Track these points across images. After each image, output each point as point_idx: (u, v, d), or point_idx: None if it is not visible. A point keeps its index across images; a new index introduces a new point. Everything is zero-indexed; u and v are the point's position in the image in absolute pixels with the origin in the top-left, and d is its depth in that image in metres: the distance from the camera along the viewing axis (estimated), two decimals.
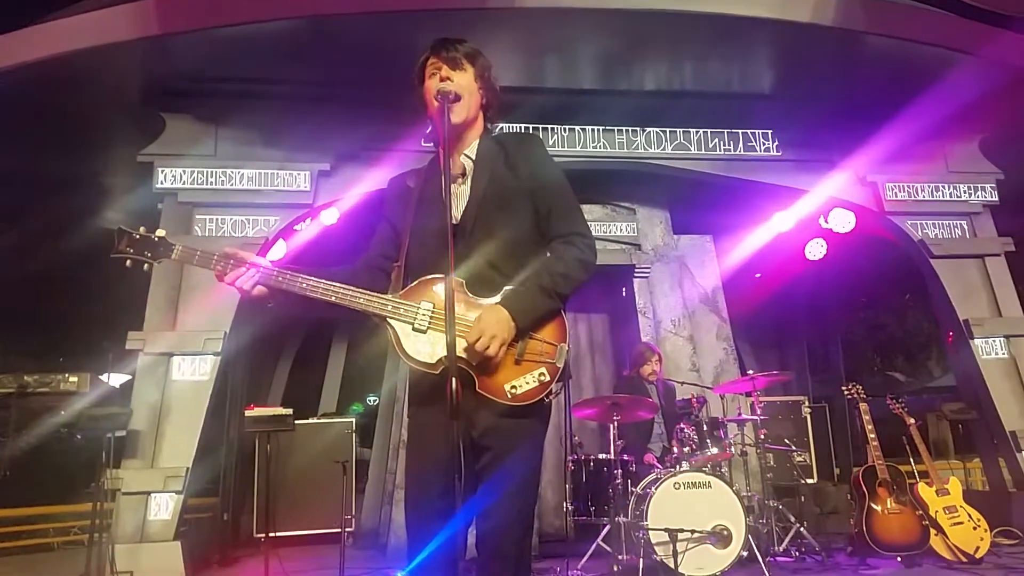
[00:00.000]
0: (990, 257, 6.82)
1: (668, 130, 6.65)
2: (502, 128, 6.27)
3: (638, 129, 6.61)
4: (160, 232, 2.16)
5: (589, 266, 2.27)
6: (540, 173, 2.28)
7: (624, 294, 7.36)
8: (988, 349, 6.52)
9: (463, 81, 2.22)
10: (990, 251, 6.84)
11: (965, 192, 6.96)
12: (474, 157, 2.26)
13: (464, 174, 2.26)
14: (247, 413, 5.19)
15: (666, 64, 6.10)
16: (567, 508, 5.47)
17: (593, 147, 6.51)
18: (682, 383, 6.30)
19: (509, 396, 2.10)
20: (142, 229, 2.16)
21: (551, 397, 2.15)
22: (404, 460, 2.28)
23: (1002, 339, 6.55)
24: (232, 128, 6.09)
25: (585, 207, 7.03)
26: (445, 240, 2.07)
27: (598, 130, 6.54)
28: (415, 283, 2.14)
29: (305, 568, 5.28)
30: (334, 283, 2.11)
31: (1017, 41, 5.71)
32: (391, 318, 2.11)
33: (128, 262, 2.17)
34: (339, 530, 5.03)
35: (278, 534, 6.26)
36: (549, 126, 6.44)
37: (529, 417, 2.14)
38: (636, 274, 7.18)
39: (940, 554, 4.96)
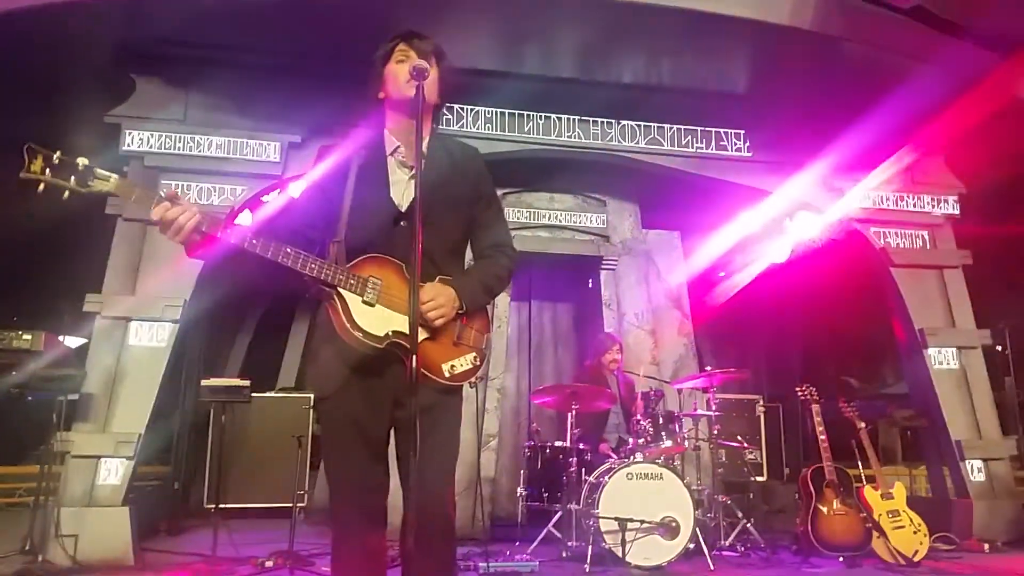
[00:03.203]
0: (948, 269, 6.96)
1: (642, 124, 6.67)
2: (477, 112, 6.29)
3: (613, 121, 6.62)
4: (83, 160, 1.96)
5: (512, 277, 2.53)
6: (483, 186, 2.44)
7: (591, 285, 7.40)
8: (940, 359, 6.66)
9: (429, 76, 2.24)
10: (949, 263, 6.98)
11: (928, 204, 7.08)
12: (426, 152, 2.30)
13: (412, 168, 2.29)
14: (203, 383, 5.15)
15: (644, 58, 6.10)
16: (521, 493, 5.53)
17: (568, 136, 6.51)
18: (641, 376, 6.37)
19: (447, 375, 2.22)
20: (59, 153, 1.94)
21: (477, 382, 2.27)
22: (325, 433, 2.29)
23: (954, 350, 6.69)
24: (203, 94, 5.98)
25: (556, 196, 7.19)
26: (389, 221, 2.20)
27: (573, 119, 6.54)
28: (360, 259, 2.17)
29: (255, 541, 5.25)
30: (285, 245, 2.07)
31: (973, 53, 5.83)
32: (341, 288, 2.12)
33: (42, 186, 1.93)
34: (291, 505, 5.02)
35: (229, 506, 6.23)
36: (525, 112, 6.42)
37: (456, 396, 2.30)
38: (603, 266, 7.23)
39: (880, 556, 5.08)
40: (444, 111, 6.17)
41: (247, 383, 5.26)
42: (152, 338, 5.45)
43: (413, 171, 2.27)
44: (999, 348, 6.74)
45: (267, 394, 7.20)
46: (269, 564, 4.61)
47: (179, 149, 5.87)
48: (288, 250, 2.06)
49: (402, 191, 2.28)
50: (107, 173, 1.96)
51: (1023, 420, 6.94)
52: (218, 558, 4.69)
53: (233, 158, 5.92)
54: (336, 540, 2.23)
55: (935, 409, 6.58)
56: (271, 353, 8.54)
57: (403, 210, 2.24)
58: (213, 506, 5.02)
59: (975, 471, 6.38)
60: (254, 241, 2.03)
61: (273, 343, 8.67)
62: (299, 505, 5.97)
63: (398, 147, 2.32)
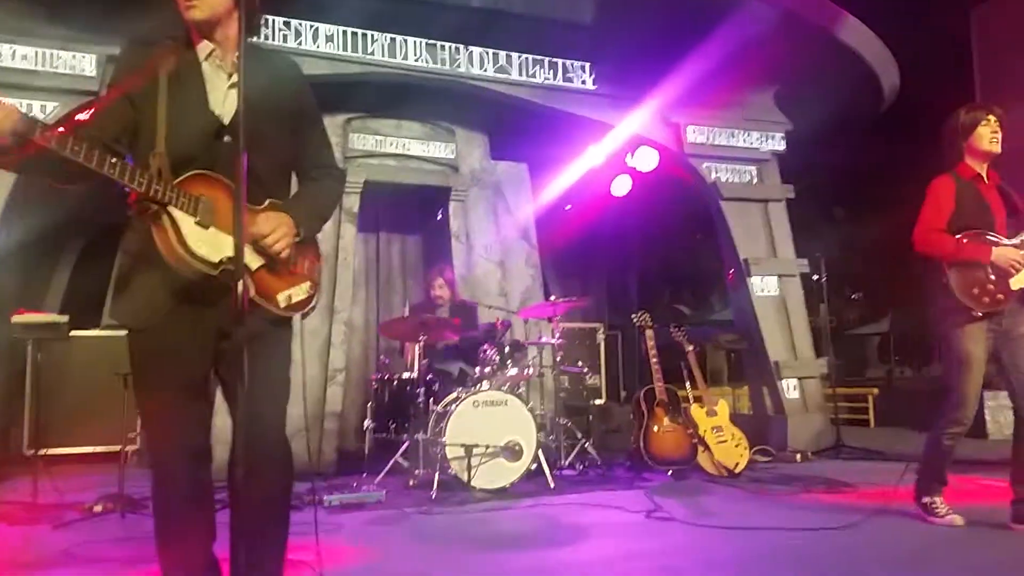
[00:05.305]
0: (772, 202, 7.47)
1: (491, 51, 6.57)
2: (317, 29, 5.96)
3: (461, 47, 6.46)
4: None
5: (340, 199, 2.52)
6: (305, 99, 2.29)
7: (440, 217, 7.34)
8: (762, 286, 7.18)
9: None
10: (773, 197, 7.48)
11: (757, 140, 7.51)
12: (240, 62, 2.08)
13: (231, 76, 2.11)
14: (15, 319, 4.71)
15: None
16: (368, 426, 5.51)
17: (415, 60, 6.30)
18: (489, 307, 6.44)
19: (283, 304, 2.12)
20: None
21: (309, 312, 2.21)
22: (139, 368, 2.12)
23: (775, 278, 7.23)
24: None
25: (404, 123, 6.97)
26: (211, 135, 2.02)
27: (420, 42, 6.32)
28: (187, 176, 1.97)
29: (82, 487, 4.94)
30: (109, 154, 1.83)
31: None
32: (173, 206, 1.93)
33: None
34: (120, 448, 4.75)
35: (52, 451, 5.83)
36: (369, 32, 6.12)
37: (286, 328, 2.21)
38: (452, 197, 7.16)
39: (705, 468, 5.48)
40: (282, 27, 5.65)
41: (65, 319, 4.87)
42: None
43: (232, 78, 2.09)
44: (816, 277, 7.33)
45: (90, 332, 6.71)
46: (98, 509, 4.35)
47: None
48: (113, 160, 1.83)
49: (222, 100, 2.09)
50: None
51: (834, 342, 7.63)
52: (40, 505, 4.37)
53: (42, 71, 5.32)
54: (156, 483, 2.10)
55: (756, 333, 7.12)
56: (95, 287, 7.90)
57: (225, 123, 2.06)
58: (33, 451, 4.67)
59: (790, 389, 7.00)
60: (76, 147, 1.76)
61: (97, 276, 8.02)
62: (131, 447, 5.68)
63: (213, 50, 2.10)
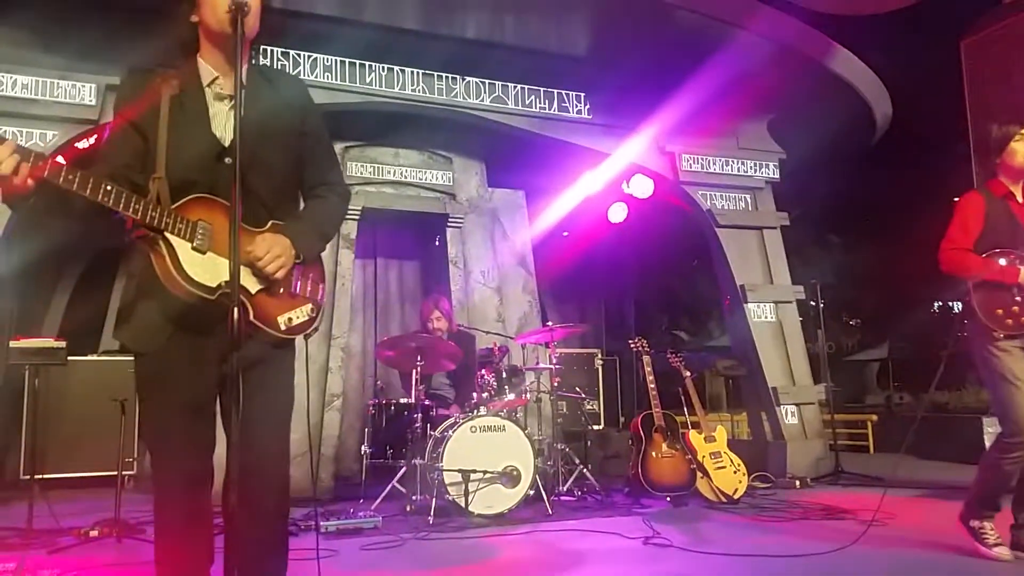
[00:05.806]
0: (767, 230, 7.52)
1: (487, 82, 6.67)
2: (315, 59, 6.04)
3: (457, 77, 6.56)
4: None
5: (344, 217, 2.50)
6: (311, 118, 2.28)
7: (437, 243, 7.38)
8: (759, 313, 7.21)
9: (250, 11, 2.02)
10: (768, 224, 7.54)
11: (752, 168, 7.58)
12: (245, 82, 2.10)
13: (233, 97, 2.09)
14: (12, 344, 4.72)
15: (487, 13, 6.08)
16: (364, 451, 5.50)
17: (412, 90, 6.39)
18: (487, 332, 6.46)
19: (283, 328, 2.12)
20: None
21: (310, 335, 2.20)
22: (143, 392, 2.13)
23: (772, 304, 7.26)
24: (5, 27, 5.37)
25: (401, 151, 7.03)
26: (212, 158, 2.02)
27: (417, 73, 6.42)
28: (187, 200, 1.99)
29: (78, 511, 4.92)
30: (105, 181, 1.84)
31: (787, 21, 6.27)
32: (169, 232, 1.94)
33: None
34: (117, 472, 4.73)
35: (48, 476, 5.81)
36: (367, 63, 6.22)
37: (289, 350, 2.20)
38: (450, 224, 7.22)
39: (704, 495, 5.46)
40: (280, 57, 5.79)
41: (63, 344, 4.86)
42: None
43: (232, 101, 2.09)
44: (812, 303, 7.37)
45: (88, 357, 6.71)
46: (94, 534, 4.33)
47: None
48: (108, 187, 1.84)
49: (223, 124, 2.10)
50: None
51: (832, 368, 7.64)
52: (34, 531, 4.35)
53: (41, 100, 5.36)
54: (158, 506, 2.10)
55: (754, 359, 7.13)
56: (93, 312, 7.91)
57: (226, 145, 2.07)
58: (29, 476, 4.64)
59: (789, 415, 6.99)
60: (71, 176, 1.78)
61: (95, 301, 8.04)
62: (127, 473, 5.65)
63: (216, 78, 2.13)
